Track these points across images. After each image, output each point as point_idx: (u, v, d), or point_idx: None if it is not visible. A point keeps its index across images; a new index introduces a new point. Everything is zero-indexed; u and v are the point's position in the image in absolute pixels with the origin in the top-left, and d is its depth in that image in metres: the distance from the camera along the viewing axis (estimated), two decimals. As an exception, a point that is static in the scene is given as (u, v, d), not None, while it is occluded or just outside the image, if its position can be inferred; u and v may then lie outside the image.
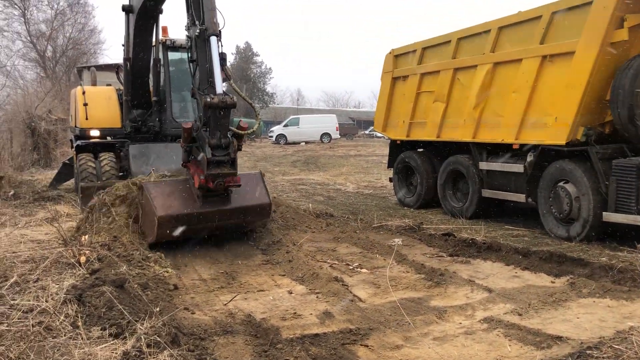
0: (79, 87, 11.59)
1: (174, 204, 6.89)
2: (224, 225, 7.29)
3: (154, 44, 10.36)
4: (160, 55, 10.67)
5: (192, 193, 7.03)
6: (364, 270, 6.44)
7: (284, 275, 6.30)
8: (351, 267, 6.54)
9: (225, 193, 7.03)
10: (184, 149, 7.06)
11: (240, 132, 6.92)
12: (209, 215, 7.01)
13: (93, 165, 10.36)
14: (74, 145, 11.28)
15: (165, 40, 10.71)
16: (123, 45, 10.62)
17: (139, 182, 7.32)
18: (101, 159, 10.47)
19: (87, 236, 6.93)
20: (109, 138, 10.99)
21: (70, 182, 13.70)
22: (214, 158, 6.49)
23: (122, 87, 11.12)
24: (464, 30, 9.88)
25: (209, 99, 6.36)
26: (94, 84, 12.69)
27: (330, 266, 6.57)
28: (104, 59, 40.97)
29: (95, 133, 10.92)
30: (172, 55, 10.96)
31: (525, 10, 8.63)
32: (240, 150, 6.92)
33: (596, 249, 7.14)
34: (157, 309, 4.53)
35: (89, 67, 22.04)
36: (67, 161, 13.77)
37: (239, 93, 7.69)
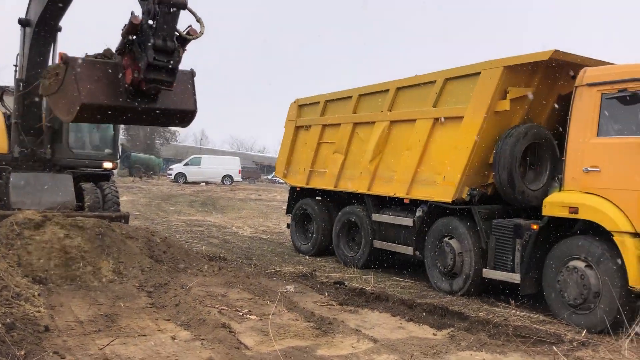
0: None
1: (100, 92, 6.62)
2: (141, 122, 7.25)
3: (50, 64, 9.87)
4: None
5: (120, 84, 6.71)
6: (253, 316, 6.32)
7: (168, 319, 6.03)
8: (240, 314, 6.41)
9: (154, 97, 6.85)
10: (123, 38, 6.65)
11: (188, 37, 6.60)
12: (133, 111, 6.85)
13: (-35, 192, 9.52)
14: None
15: None
16: (15, 65, 10.07)
17: (65, 56, 6.89)
18: (-24, 186, 9.66)
19: (-51, 269, 6.28)
20: None
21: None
22: (155, 62, 6.31)
23: (6, 111, 10.46)
24: (365, 88, 10.33)
25: None
26: None
27: (219, 311, 6.39)
28: (-7, 80, 38.39)
29: None
30: None
31: (422, 74, 9.21)
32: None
33: (476, 304, 7.53)
34: (22, 352, 4.16)
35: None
36: None
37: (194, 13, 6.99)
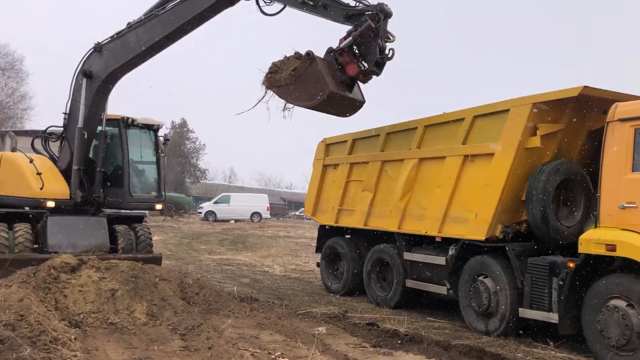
0: (19, 154, 10.97)
1: (337, 83, 8.32)
2: (334, 110, 9.03)
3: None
4: (117, 131, 10.94)
5: (338, 77, 8.42)
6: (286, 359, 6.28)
7: (202, 363, 6.03)
8: (273, 357, 6.36)
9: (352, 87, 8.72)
10: (354, 39, 8.20)
11: (390, 39, 8.45)
12: (343, 100, 8.66)
13: (6, 235, 9.73)
14: None
15: (123, 117, 10.96)
16: (65, 113, 10.59)
17: (312, 53, 8.36)
18: (16, 229, 9.86)
19: (-11, 314, 6.41)
20: (26, 208, 10.45)
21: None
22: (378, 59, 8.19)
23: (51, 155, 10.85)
24: (393, 126, 10.39)
25: None
26: (13, 149, 12.21)
27: (251, 354, 6.36)
28: (30, 125, 39.81)
29: (51, 204, 10.28)
30: (136, 134, 11.25)
31: (450, 112, 9.23)
32: None
33: (513, 344, 7.34)
34: (60, 400, 4.20)
35: (8, 132, 21.24)
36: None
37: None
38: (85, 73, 10.17)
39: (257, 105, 8.90)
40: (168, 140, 11.98)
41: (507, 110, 7.99)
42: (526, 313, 7.47)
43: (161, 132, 11.77)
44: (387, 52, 8.39)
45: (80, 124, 10.29)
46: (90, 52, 10.32)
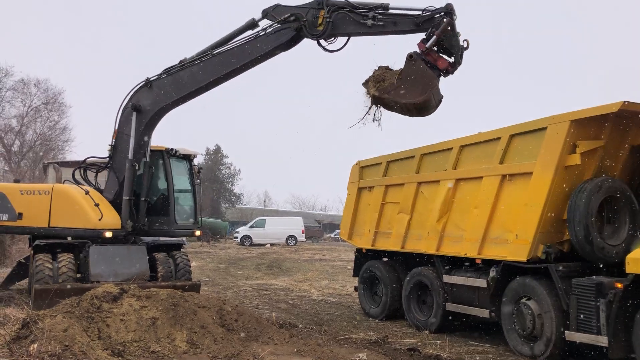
0: (71, 185, 11.28)
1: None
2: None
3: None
4: (160, 162, 11.44)
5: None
6: (326, 388, 6.20)
7: (243, 392, 6.01)
8: (314, 385, 6.30)
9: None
10: (438, 37, 8.68)
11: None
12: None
13: (50, 266, 9.99)
14: (33, 244, 10.93)
15: (167, 148, 11.48)
16: (111, 145, 10.96)
17: (413, 54, 8.84)
18: (59, 259, 10.13)
19: (36, 345, 6.55)
20: (69, 238, 10.71)
21: (24, 282, 13.12)
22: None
23: (87, 187, 11.14)
24: (428, 147, 10.32)
25: None
26: (59, 180, 12.62)
27: (292, 383, 6.32)
28: (71, 156, 41.02)
29: (109, 234, 10.61)
30: (173, 164, 11.67)
31: (485, 132, 9.12)
32: None
33: (560, 369, 7.09)
34: None
35: (53, 163, 21.95)
36: (22, 260, 13.24)
37: None
38: (135, 107, 10.58)
39: (367, 115, 9.38)
40: (201, 169, 12.66)
41: (545, 129, 7.84)
42: (573, 336, 7.22)
43: (195, 161, 12.18)
44: (462, 43, 8.94)
45: (130, 155, 10.63)
46: (139, 86, 10.72)
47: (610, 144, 7.71)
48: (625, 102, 7.03)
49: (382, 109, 9.26)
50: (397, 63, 9.15)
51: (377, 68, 9.31)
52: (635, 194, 7.53)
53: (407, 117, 9.34)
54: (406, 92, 8.86)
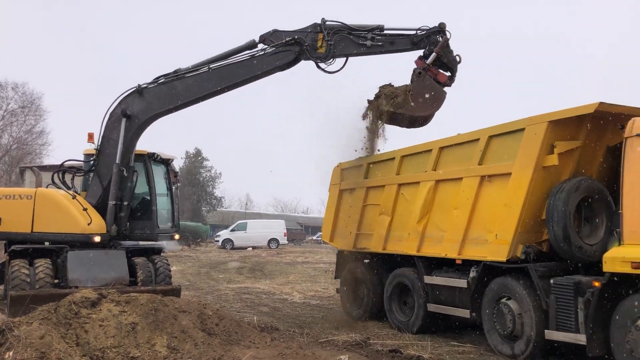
0: (56, 190, 11.07)
1: None
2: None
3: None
4: (142, 166, 11.34)
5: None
6: (308, 391, 6.17)
7: (224, 397, 5.95)
8: (296, 388, 6.27)
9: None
10: (437, 54, 9.37)
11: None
12: None
13: (27, 272, 9.77)
14: (9, 249, 10.70)
15: (149, 152, 11.47)
16: (96, 149, 10.80)
17: (420, 70, 9.48)
18: (36, 265, 9.93)
19: (11, 352, 6.41)
20: (46, 243, 10.53)
21: (-1, 289, 12.85)
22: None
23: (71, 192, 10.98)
24: (407, 149, 10.36)
25: None
26: (38, 185, 12.36)
27: (273, 386, 6.28)
28: (48, 160, 40.43)
29: (97, 239, 10.43)
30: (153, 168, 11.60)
31: (464, 133, 9.19)
32: None
33: (540, 368, 7.15)
34: None
35: (32, 167, 21.57)
36: (-4, 266, 12.97)
37: None
38: (124, 113, 10.44)
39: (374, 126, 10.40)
40: (177, 172, 12.83)
41: (523, 130, 7.93)
42: (552, 335, 7.30)
43: (175, 164, 12.14)
44: (456, 57, 9.71)
45: (117, 160, 10.48)
46: (129, 93, 10.56)
47: (588, 144, 7.82)
48: (601, 103, 7.13)
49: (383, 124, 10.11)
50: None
51: (381, 86, 10.05)
52: (611, 193, 7.64)
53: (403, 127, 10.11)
54: (417, 105, 9.49)
